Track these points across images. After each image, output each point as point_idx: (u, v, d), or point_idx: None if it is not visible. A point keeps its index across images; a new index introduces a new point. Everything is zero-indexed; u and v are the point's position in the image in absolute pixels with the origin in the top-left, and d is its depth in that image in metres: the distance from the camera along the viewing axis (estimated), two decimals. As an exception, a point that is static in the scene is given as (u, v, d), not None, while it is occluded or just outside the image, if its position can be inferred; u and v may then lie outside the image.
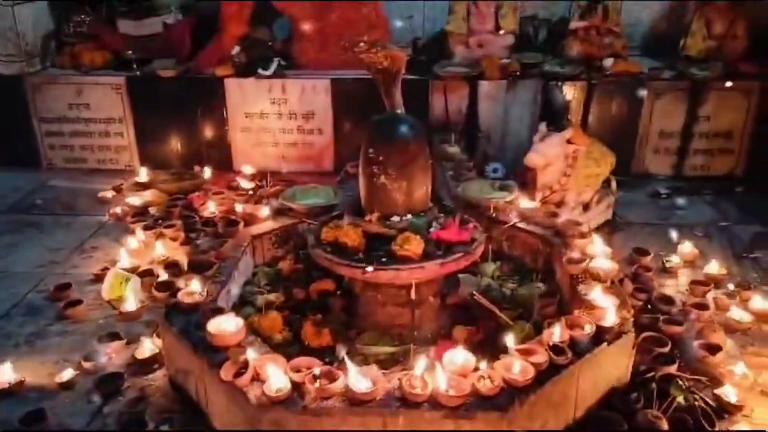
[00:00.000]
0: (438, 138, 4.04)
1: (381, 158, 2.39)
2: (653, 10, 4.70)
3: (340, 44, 4.40)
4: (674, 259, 3.19)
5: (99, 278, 3.07)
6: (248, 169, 4.18)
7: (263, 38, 4.43)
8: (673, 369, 2.37)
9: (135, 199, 3.85)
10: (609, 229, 3.56)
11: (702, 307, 2.79)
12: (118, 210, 3.77)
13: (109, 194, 4.03)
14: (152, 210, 3.76)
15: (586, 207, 3.48)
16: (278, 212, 3.06)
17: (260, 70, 4.27)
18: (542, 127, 3.44)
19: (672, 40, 4.57)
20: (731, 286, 2.96)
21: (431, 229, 2.45)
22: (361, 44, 2.42)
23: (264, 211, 3.06)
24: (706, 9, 4.17)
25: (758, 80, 4.04)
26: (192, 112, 4.32)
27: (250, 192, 3.89)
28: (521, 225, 2.94)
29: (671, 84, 4.11)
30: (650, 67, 4.22)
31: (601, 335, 2.18)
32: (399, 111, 2.52)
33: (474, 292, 2.54)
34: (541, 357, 2.05)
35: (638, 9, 4.66)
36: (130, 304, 2.83)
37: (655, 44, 4.72)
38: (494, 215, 2.99)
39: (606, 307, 2.26)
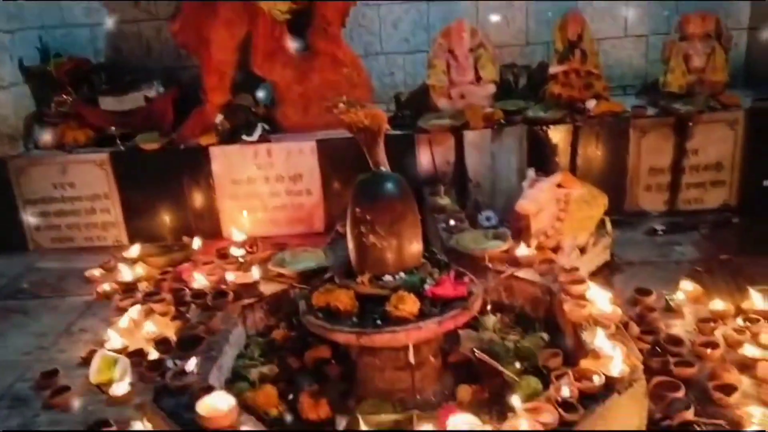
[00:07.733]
0: (428, 190, 4.02)
1: (369, 218, 2.33)
2: (630, 49, 4.75)
3: (323, 106, 4.45)
4: (678, 297, 3.10)
5: (87, 362, 2.94)
6: (238, 235, 4.10)
7: (246, 104, 4.44)
8: (690, 415, 2.26)
9: (123, 276, 3.76)
10: (608, 270, 3.49)
11: (712, 345, 2.69)
12: (106, 287, 3.67)
13: (97, 272, 3.93)
14: (141, 286, 3.67)
15: (582, 250, 3.41)
16: (269, 278, 2.98)
17: (244, 136, 4.25)
18: (530, 172, 3.40)
19: (650, 78, 4.63)
20: (740, 322, 2.87)
21: (426, 286, 2.37)
22: (341, 105, 2.40)
23: (253, 274, 2.98)
24: (683, 45, 4.20)
25: (742, 110, 4.04)
26: (178, 184, 4.27)
27: (241, 260, 3.80)
28: (519, 274, 2.87)
29: (656, 120, 4.11)
30: (633, 106, 4.22)
31: (611, 385, 2.08)
32: (383, 168, 2.48)
33: (475, 349, 2.44)
34: (551, 416, 1.95)
35: (615, 50, 4.71)
36: (119, 388, 2.71)
37: (633, 82, 4.76)
38: (490, 265, 2.92)
39: (613, 354, 2.17)
